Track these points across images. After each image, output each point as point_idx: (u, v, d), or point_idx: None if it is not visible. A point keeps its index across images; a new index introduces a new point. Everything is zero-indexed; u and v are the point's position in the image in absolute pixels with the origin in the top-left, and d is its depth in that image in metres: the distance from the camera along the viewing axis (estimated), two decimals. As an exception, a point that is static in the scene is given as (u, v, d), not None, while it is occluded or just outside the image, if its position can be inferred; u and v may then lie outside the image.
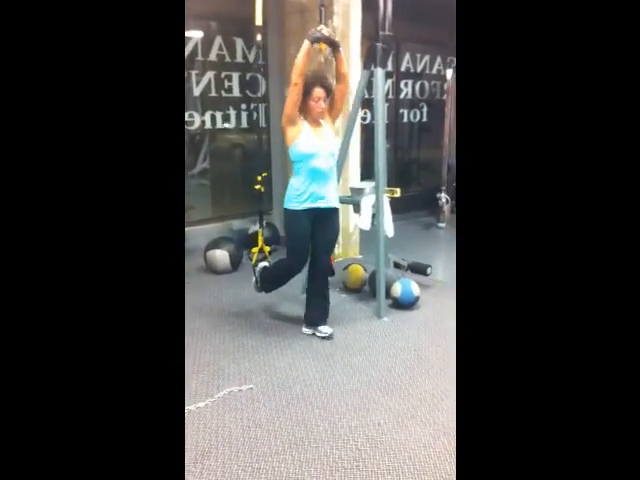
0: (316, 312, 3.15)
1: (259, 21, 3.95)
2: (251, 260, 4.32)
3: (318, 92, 2.85)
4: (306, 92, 2.84)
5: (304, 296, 3.30)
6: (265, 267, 3.34)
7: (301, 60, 2.80)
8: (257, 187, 4.37)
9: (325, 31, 2.95)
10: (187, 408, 2.37)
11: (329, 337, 3.09)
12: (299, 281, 3.51)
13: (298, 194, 2.93)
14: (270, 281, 3.28)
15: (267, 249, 4.40)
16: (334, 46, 2.97)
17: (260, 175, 4.37)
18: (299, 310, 3.36)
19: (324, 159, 2.91)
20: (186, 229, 4.80)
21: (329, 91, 2.90)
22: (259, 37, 4.03)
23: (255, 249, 4.39)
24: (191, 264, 4.44)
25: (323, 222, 3.01)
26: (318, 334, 3.12)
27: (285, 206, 3.02)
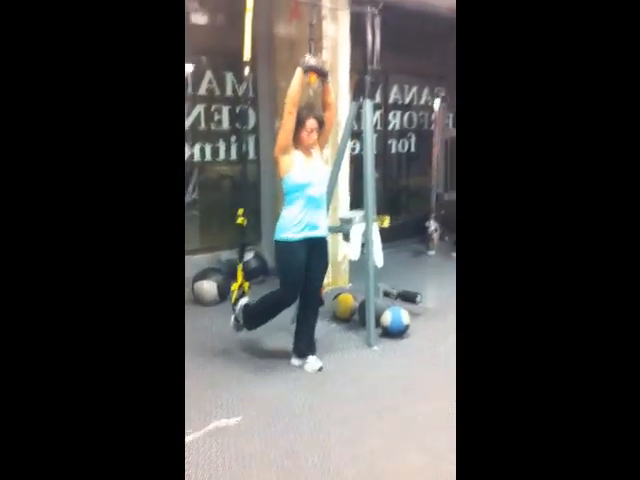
0: (305, 342, 3.13)
1: (247, 56, 4.02)
2: (242, 295, 4.22)
3: (311, 123, 2.89)
4: (299, 123, 2.88)
5: (294, 325, 3.29)
6: (247, 304, 3.24)
7: (295, 89, 2.86)
8: (239, 221, 4.29)
9: (315, 60, 3.01)
10: (174, 442, 2.33)
11: (319, 370, 3.06)
12: (290, 310, 3.50)
13: (294, 224, 2.93)
14: (256, 316, 3.20)
15: (246, 285, 4.25)
16: (324, 75, 3.03)
17: (241, 208, 4.30)
18: (288, 340, 3.34)
19: (318, 187, 2.95)
20: (175, 260, 4.80)
21: (321, 123, 2.95)
22: (247, 71, 4.10)
23: (235, 285, 4.22)
24: (180, 295, 4.41)
25: (317, 251, 3.02)
26: (307, 368, 3.08)
27: (277, 238, 3.00)
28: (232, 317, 3.24)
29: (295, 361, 3.14)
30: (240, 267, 4.03)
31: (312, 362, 3.08)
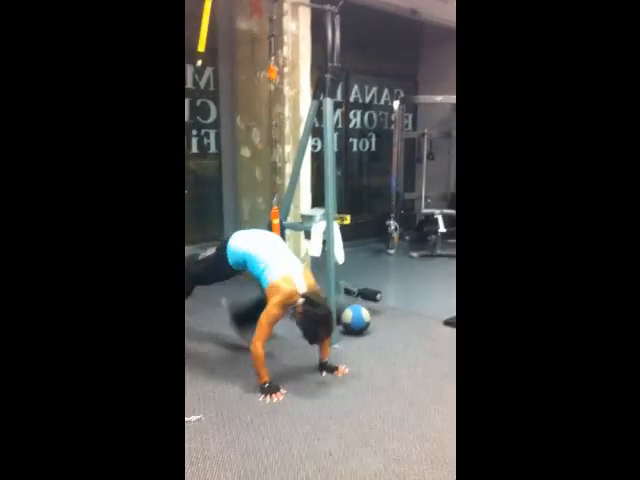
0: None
1: (202, 47, 3.97)
2: None
3: None
4: None
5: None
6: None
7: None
8: None
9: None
10: (132, 442, 2.28)
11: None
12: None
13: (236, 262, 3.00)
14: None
15: None
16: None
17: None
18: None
19: None
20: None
21: None
22: (199, 62, 4.05)
23: None
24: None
25: None
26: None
27: (228, 249, 3.02)
28: None
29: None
30: None
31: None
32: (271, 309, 2.69)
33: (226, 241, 3.08)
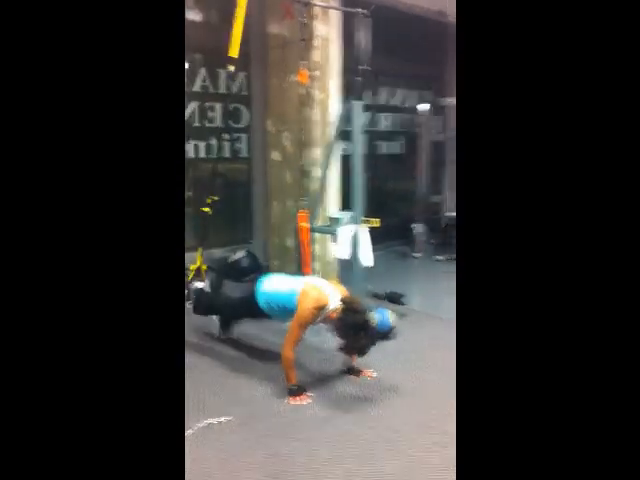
0: None
1: (235, 52, 4.03)
2: (198, 275, 4.29)
3: None
4: None
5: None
6: (201, 290, 3.44)
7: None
8: (205, 209, 4.28)
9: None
10: (165, 439, 2.37)
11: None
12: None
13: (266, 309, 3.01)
14: (203, 308, 3.40)
15: (204, 267, 4.35)
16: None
17: (210, 197, 4.28)
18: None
19: None
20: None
21: None
22: (232, 68, 4.11)
23: (193, 266, 4.25)
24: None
25: None
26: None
27: (257, 293, 3.03)
28: (185, 291, 3.52)
29: None
30: (200, 251, 4.24)
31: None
32: (302, 313, 2.75)
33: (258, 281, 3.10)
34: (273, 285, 3.01)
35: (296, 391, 2.78)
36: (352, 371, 3.07)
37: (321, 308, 2.77)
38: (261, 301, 2.99)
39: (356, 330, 2.68)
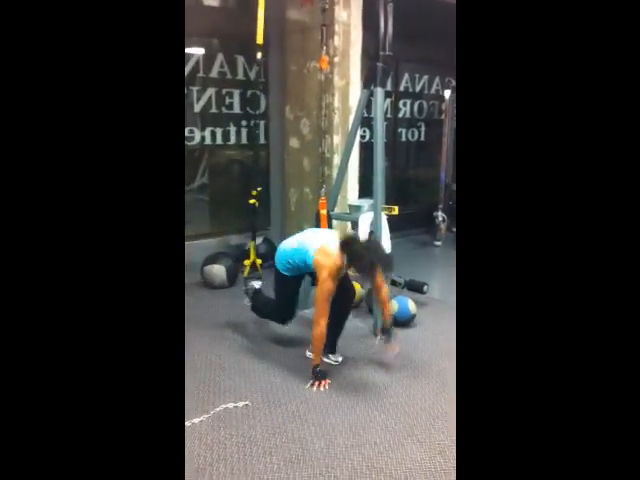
0: (330, 338, 3.00)
1: (260, 39, 4.01)
2: (255, 271, 4.37)
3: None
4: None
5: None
6: (259, 290, 3.37)
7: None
8: (252, 201, 4.39)
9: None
10: (182, 424, 2.36)
11: (338, 363, 3.03)
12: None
13: (288, 269, 2.94)
14: (258, 310, 3.33)
15: (259, 262, 4.41)
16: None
17: (255, 190, 4.39)
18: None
19: None
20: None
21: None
22: (259, 55, 4.07)
23: (247, 262, 4.39)
24: (187, 278, 4.43)
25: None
26: (326, 360, 3.00)
27: (275, 265, 3.00)
28: (243, 287, 3.50)
29: (309, 353, 3.04)
30: (252, 245, 4.22)
31: (333, 358, 3.06)
32: (322, 285, 2.68)
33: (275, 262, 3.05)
34: (285, 246, 2.99)
35: (319, 373, 2.74)
36: (385, 332, 2.98)
37: (339, 270, 2.71)
38: (282, 267, 2.94)
39: (362, 252, 2.66)
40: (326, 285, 2.67)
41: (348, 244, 2.71)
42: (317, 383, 2.73)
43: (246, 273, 3.97)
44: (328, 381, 2.75)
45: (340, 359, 3.05)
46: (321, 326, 2.69)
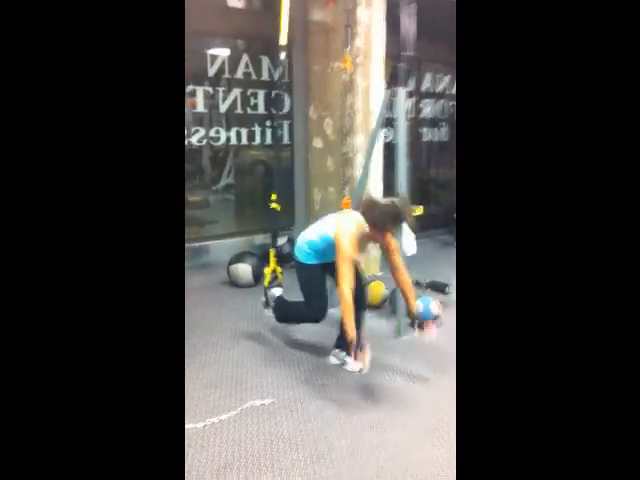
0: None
1: (284, 40, 4.04)
2: (275, 279, 4.32)
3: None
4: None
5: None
6: (281, 297, 3.26)
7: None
8: (273, 206, 4.35)
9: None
10: (209, 420, 2.41)
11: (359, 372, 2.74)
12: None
13: (311, 256, 2.91)
14: (285, 316, 3.22)
15: (279, 270, 4.36)
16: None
17: (274, 193, 4.29)
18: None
19: None
20: (209, 243, 4.90)
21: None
22: (283, 56, 4.11)
23: (267, 270, 4.27)
24: (214, 277, 4.51)
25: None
26: (346, 367, 2.92)
27: (296, 259, 2.98)
28: (262, 298, 3.37)
29: (335, 353, 3.06)
30: (272, 252, 4.12)
31: (351, 364, 2.77)
32: (342, 251, 2.62)
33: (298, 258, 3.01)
34: (303, 235, 2.97)
35: (357, 345, 2.54)
36: (414, 318, 2.90)
37: (359, 237, 2.69)
38: (305, 256, 2.91)
39: (387, 215, 2.65)
40: (346, 250, 2.61)
41: (371, 208, 2.68)
42: (359, 355, 2.52)
43: (266, 282, 3.86)
44: (367, 352, 2.55)
45: (360, 367, 2.98)
46: (347, 293, 2.58)
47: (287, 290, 3.36)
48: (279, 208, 4.37)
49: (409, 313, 2.94)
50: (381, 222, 2.66)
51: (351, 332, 2.54)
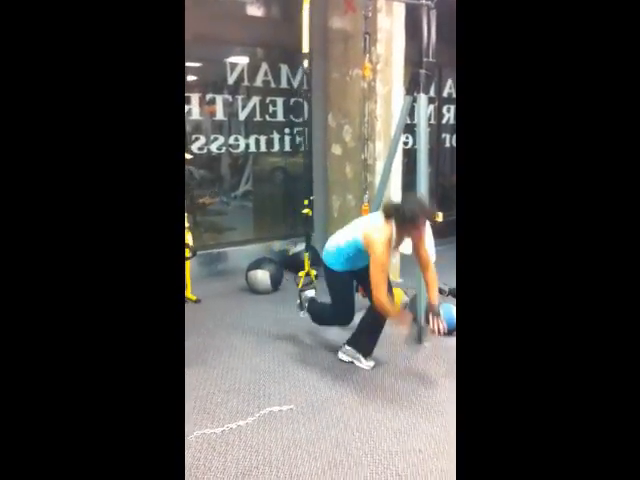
0: (365, 339, 3.05)
1: (306, 48, 4.05)
2: (297, 285, 4.35)
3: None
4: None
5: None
6: (313, 299, 3.32)
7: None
8: (305, 211, 4.39)
9: None
10: (228, 426, 2.40)
11: (370, 368, 3.01)
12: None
13: (340, 262, 2.90)
14: (317, 318, 3.28)
15: (313, 272, 4.41)
16: None
17: (307, 199, 4.38)
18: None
19: None
20: (228, 249, 4.91)
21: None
22: (306, 64, 4.12)
23: (302, 273, 4.37)
24: (232, 284, 4.52)
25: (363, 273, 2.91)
26: (358, 363, 3.04)
27: (325, 264, 2.98)
28: (297, 301, 3.43)
29: (345, 349, 3.10)
30: (307, 256, 4.30)
31: (365, 363, 3.05)
32: (376, 260, 2.64)
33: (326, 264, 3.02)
34: (331, 242, 2.96)
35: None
36: (432, 309, 2.88)
37: (390, 241, 2.68)
38: (334, 263, 2.91)
39: (415, 204, 2.70)
40: (380, 258, 2.64)
41: (394, 209, 2.68)
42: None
43: (300, 284, 3.95)
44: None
45: (372, 364, 3.03)
46: (383, 302, 2.66)
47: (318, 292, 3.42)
48: (311, 213, 4.40)
49: (428, 305, 2.95)
50: (411, 214, 2.64)
51: (393, 312, 2.80)
